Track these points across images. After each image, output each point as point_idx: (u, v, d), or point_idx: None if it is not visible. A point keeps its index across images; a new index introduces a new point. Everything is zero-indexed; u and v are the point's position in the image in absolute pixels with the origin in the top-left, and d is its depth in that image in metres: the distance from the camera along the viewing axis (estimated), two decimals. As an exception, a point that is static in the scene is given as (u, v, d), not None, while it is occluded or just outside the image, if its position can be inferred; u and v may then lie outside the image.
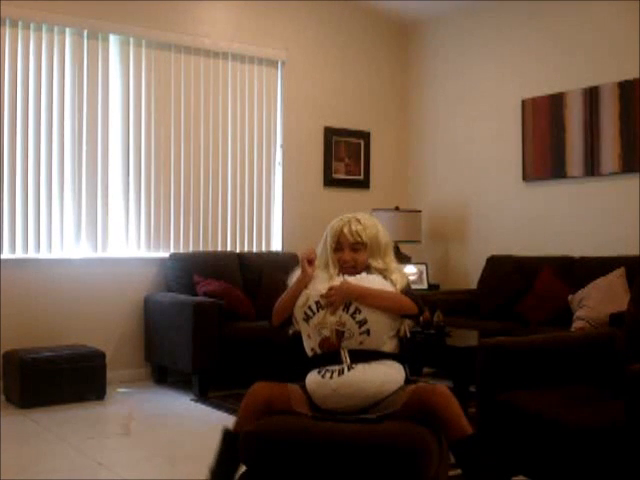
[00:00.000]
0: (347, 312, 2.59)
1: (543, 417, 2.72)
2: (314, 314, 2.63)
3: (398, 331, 2.68)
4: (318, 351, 2.63)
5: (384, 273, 2.71)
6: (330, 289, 2.62)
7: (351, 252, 2.70)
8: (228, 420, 4.19)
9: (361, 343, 2.58)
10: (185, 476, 3.39)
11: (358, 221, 2.73)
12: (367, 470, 2.32)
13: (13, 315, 5.02)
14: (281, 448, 2.38)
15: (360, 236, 2.70)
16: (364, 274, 2.70)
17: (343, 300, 2.60)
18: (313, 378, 2.60)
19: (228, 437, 2.54)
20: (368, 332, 2.58)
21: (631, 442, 2.36)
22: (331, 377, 2.53)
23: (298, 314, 2.68)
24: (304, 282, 2.68)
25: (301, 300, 2.67)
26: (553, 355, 3.10)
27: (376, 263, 2.72)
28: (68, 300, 5.26)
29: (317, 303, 2.62)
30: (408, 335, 2.70)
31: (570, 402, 2.77)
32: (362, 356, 2.57)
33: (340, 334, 2.59)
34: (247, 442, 2.42)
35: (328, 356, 2.60)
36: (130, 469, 3.52)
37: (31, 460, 3.64)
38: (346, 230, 2.70)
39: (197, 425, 4.34)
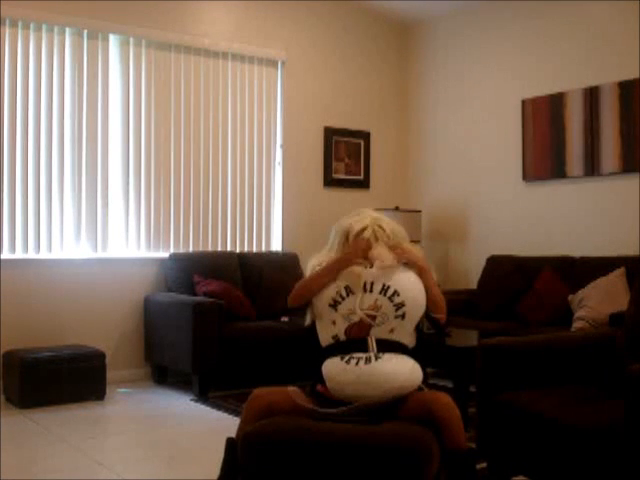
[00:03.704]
0: (385, 295, 2.54)
1: (543, 417, 2.71)
2: (343, 299, 2.56)
3: (417, 325, 2.63)
4: (342, 338, 2.56)
5: (415, 262, 2.65)
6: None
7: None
8: (228, 420, 4.23)
9: (391, 331, 2.53)
10: (185, 476, 3.38)
11: (381, 228, 2.70)
12: (367, 471, 2.31)
13: (13, 315, 5.02)
14: (281, 449, 2.37)
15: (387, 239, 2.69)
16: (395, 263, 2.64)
17: (408, 259, 2.60)
18: (335, 363, 2.52)
19: (232, 446, 2.49)
20: (403, 316, 2.54)
21: (630, 442, 2.36)
22: (357, 364, 2.48)
23: (324, 302, 2.59)
24: (347, 262, 2.60)
25: (332, 290, 2.58)
26: (553, 355, 3.10)
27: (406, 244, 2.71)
28: (68, 300, 5.26)
29: (347, 288, 2.56)
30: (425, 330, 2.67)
31: (570, 402, 2.77)
32: (388, 346, 2.52)
33: (372, 319, 2.53)
34: (247, 443, 2.41)
35: (352, 343, 2.53)
36: (130, 469, 3.51)
37: (31, 460, 3.64)
38: (367, 235, 2.67)
39: (197, 425, 4.33)
